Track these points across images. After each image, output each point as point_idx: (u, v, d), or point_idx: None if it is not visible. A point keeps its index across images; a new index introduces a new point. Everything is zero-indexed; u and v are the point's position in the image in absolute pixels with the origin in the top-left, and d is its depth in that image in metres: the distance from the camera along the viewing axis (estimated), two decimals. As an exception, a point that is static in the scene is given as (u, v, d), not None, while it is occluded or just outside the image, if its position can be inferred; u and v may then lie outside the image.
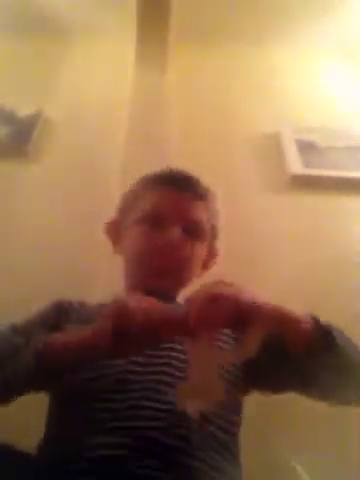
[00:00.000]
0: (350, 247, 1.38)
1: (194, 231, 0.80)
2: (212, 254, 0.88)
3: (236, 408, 0.70)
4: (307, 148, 1.62)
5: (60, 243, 1.28)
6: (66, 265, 1.23)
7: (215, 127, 1.70)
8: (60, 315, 0.76)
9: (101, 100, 1.72)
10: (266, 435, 0.95)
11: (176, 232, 0.77)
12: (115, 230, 0.88)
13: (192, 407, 0.51)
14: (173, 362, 0.66)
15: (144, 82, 1.72)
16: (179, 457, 0.56)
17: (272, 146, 1.66)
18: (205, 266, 0.87)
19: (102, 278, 1.13)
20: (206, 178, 1.43)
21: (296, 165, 1.56)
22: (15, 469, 0.52)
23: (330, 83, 1.95)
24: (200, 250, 0.82)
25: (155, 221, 0.79)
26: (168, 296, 0.78)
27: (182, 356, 0.65)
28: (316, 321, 0.56)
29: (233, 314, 0.50)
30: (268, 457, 0.91)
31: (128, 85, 1.74)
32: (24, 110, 1.66)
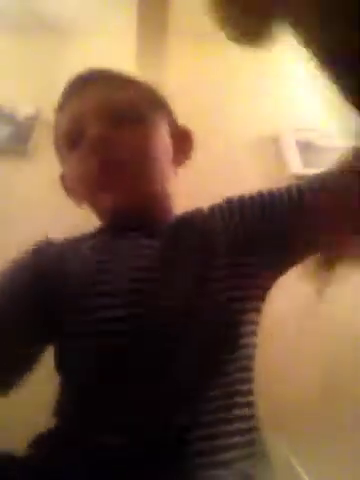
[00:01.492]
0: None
1: (122, 115, 0.63)
2: (181, 134, 0.75)
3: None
4: (307, 148, 1.62)
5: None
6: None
7: (215, 127, 1.70)
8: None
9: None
10: (266, 435, 0.95)
11: (92, 129, 0.60)
12: (66, 182, 0.75)
13: None
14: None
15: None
16: (174, 453, 0.51)
17: (272, 146, 1.66)
18: (183, 152, 0.73)
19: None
20: (206, 178, 1.44)
21: (296, 165, 1.56)
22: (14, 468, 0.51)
23: (330, 82, 1.95)
24: (146, 132, 0.64)
25: (74, 138, 0.63)
26: (157, 217, 0.64)
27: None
28: None
29: None
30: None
31: (128, 85, 1.74)
32: (24, 110, 1.66)
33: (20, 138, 1.58)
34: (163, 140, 0.67)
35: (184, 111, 1.68)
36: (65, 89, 0.70)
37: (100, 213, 0.69)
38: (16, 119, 1.64)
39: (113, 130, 0.60)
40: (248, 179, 1.55)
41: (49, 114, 1.71)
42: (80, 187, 0.65)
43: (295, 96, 1.85)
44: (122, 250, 0.60)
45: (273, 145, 1.66)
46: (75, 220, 1.36)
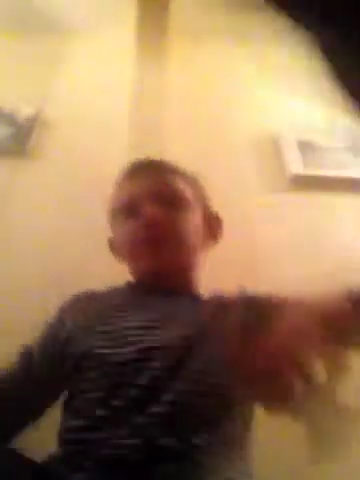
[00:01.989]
0: (350, 247, 1.38)
1: (173, 200, 0.77)
2: (213, 221, 0.86)
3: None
4: (307, 148, 1.62)
5: (60, 243, 1.28)
6: (66, 265, 1.23)
7: (215, 127, 1.70)
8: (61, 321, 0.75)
9: (101, 100, 1.72)
10: (266, 434, 0.95)
11: (147, 210, 0.74)
12: (114, 244, 0.87)
13: None
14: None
15: (144, 82, 1.72)
16: (185, 462, 0.56)
17: (272, 146, 1.66)
18: (213, 236, 0.85)
19: (102, 278, 1.13)
20: (206, 178, 1.43)
21: (296, 165, 1.56)
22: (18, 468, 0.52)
23: (330, 83, 1.95)
24: (187, 218, 0.78)
25: (129, 212, 0.77)
26: (182, 286, 0.76)
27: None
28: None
29: None
30: (268, 457, 0.91)
31: (128, 84, 1.74)
32: (24, 110, 1.66)
33: (20, 138, 1.57)
34: (198, 224, 0.81)
35: (184, 111, 1.69)
36: (125, 170, 0.85)
37: (135, 273, 0.81)
38: (16, 119, 1.64)
39: (161, 212, 0.74)
40: (248, 179, 1.55)
41: (49, 114, 1.73)
42: (126, 251, 0.79)
43: (295, 96, 1.85)
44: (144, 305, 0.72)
45: (273, 145, 1.66)
46: (75, 220, 1.36)
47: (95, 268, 1.18)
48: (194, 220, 0.80)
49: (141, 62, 1.79)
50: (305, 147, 1.62)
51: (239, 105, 1.78)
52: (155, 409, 0.58)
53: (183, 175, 0.84)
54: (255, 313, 0.65)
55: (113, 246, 0.87)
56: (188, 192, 0.81)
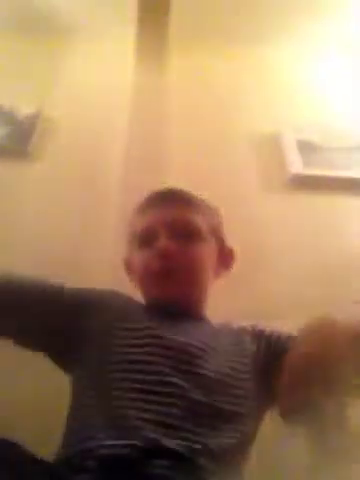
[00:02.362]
0: (350, 247, 1.38)
1: (187, 233, 0.80)
2: (227, 252, 0.88)
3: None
4: (307, 148, 1.62)
5: (60, 242, 1.28)
6: (66, 265, 1.23)
7: (215, 127, 1.70)
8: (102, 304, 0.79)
9: (101, 100, 1.72)
10: (266, 434, 0.95)
11: (163, 240, 0.78)
12: (127, 262, 0.89)
13: None
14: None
15: (144, 82, 1.72)
16: (186, 464, 0.56)
17: (272, 146, 1.66)
18: (225, 266, 0.88)
19: (102, 278, 1.13)
20: (206, 178, 1.43)
21: (296, 165, 1.56)
22: (22, 467, 0.52)
23: (330, 83, 1.95)
24: (201, 250, 0.81)
25: (145, 240, 0.81)
26: (191, 312, 0.80)
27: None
28: None
29: None
30: (268, 457, 0.92)
31: (128, 85, 1.74)
32: (24, 110, 1.66)
33: (20, 138, 1.57)
34: (212, 257, 0.84)
35: (184, 112, 1.69)
36: (148, 198, 0.87)
37: (145, 296, 0.84)
38: (16, 119, 1.64)
39: (175, 244, 0.78)
40: (248, 179, 1.55)
41: (49, 114, 1.73)
42: (139, 276, 0.82)
43: (295, 96, 1.85)
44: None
45: (273, 145, 1.66)
46: (75, 220, 1.36)
47: (95, 268, 1.18)
48: (207, 252, 0.83)
49: (141, 62, 1.79)
50: (305, 147, 1.62)
51: (239, 105, 1.78)
52: (159, 410, 0.59)
53: (201, 206, 0.87)
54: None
55: (128, 267, 0.89)
56: (204, 224, 0.84)
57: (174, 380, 0.62)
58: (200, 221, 0.83)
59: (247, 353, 0.73)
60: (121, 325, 0.72)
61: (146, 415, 0.58)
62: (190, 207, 0.85)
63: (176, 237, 0.79)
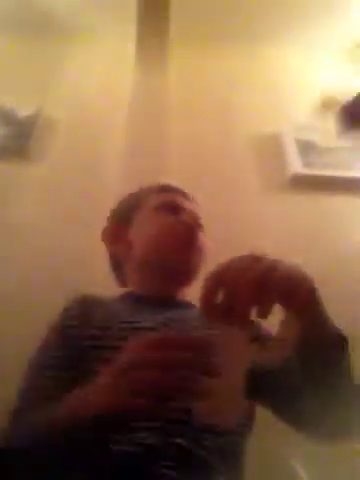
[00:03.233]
0: (350, 247, 1.38)
1: (200, 223, 0.86)
2: None
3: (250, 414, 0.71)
4: (307, 148, 1.63)
5: (60, 242, 1.28)
6: (66, 264, 1.24)
7: (215, 127, 1.70)
8: (82, 312, 0.75)
9: (101, 100, 1.72)
10: (266, 434, 0.95)
11: (190, 218, 0.84)
12: (114, 233, 0.90)
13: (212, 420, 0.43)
14: None
15: (144, 82, 1.72)
16: (194, 459, 0.57)
17: (272, 146, 1.66)
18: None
19: (101, 275, 1.13)
20: (206, 178, 1.43)
21: (296, 165, 1.56)
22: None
23: (330, 83, 1.95)
24: (206, 240, 0.86)
25: (171, 209, 0.85)
26: (179, 293, 0.83)
27: None
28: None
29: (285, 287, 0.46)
30: (268, 457, 0.92)
31: (128, 85, 1.74)
32: (24, 110, 1.66)
33: (20, 138, 1.58)
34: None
35: (184, 112, 1.69)
36: (159, 185, 0.92)
37: (149, 261, 0.83)
38: (16, 119, 1.64)
39: (198, 221, 0.85)
40: (248, 179, 1.55)
41: (49, 114, 1.73)
42: (154, 238, 0.83)
43: (295, 96, 1.85)
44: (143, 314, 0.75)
45: (273, 145, 1.66)
46: (75, 219, 1.36)
47: (95, 268, 1.18)
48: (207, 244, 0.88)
49: (141, 63, 1.79)
50: (305, 147, 1.62)
51: (239, 105, 1.78)
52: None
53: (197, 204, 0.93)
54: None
55: (109, 235, 0.90)
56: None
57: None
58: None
59: None
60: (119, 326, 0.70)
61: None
62: (194, 201, 0.92)
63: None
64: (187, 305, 0.82)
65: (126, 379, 0.42)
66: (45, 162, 1.53)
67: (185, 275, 0.84)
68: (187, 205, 0.88)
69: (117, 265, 0.91)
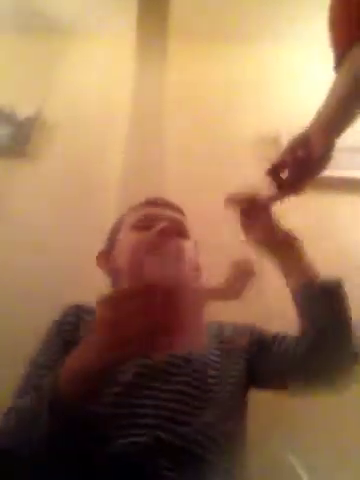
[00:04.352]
0: (350, 247, 1.38)
1: (179, 229, 0.85)
2: (199, 268, 0.91)
3: (242, 409, 0.72)
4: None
5: (59, 242, 1.28)
6: (65, 264, 1.24)
7: (215, 127, 1.70)
8: (78, 318, 0.78)
9: (100, 100, 1.72)
10: (266, 435, 0.95)
11: (164, 223, 0.82)
12: (103, 257, 0.92)
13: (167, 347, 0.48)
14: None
15: (143, 82, 1.72)
16: (191, 458, 0.57)
17: (272, 146, 1.66)
18: (199, 273, 0.89)
19: (101, 275, 1.13)
20: (206, 178, 1.43)
21: (296, 165, 1.56)
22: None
23: (330, 83, 1.95)
24: (189, 246, 0.85)
25: (143, 225, 0.84)
26: None
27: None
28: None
29: None
30: (268, 457, 0.91)
31: (128, 85, 1.74)
32: (23, 111, 1.66)
33: (20, 138, 1.58)
34: (193, 255, 0.88)
35: (184, 111, 1.69)
36: (139, 202, 0.92)
37: (127, 279, 0.83)
38: (16, 119, 1.64)
39: (171, 231, 0.83)
40: (248, 179, 1.55)
41: (49, 115, 1.73)
42: (128, 256, 0.82)
43: (295, 96, 1.85)
44: None
45: (273, 145, 1.66)
46: (74, 219, 1.36)
47: (94, 266, 1.18)
48: (192, 251, 0.87)
49: (141, 63, 1.79)
50: (305, 147, 1.62)
51: (239, 105, 1.78)
52: (159, 410, 0.61)
53: (183, 213, 0.93)
54: None
55: (103, 259, 0.91)
56: (188, 227, 0.90)
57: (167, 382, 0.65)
58: (187, 224, 0.90)
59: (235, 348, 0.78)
60: None
61: (149, 411, 0.60)
62: (180, 211, 0.92)
63: (174, 229, 0.84)
64: None
65: (116, 331, 0.47)
66: (44, 162, 1.53)
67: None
68: (168, 215, 0.87)
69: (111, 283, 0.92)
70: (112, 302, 0.49)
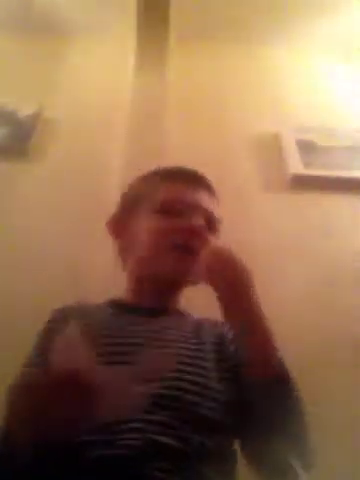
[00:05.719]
0: (350, 247, 1.38)
1: (211, 224, 0.79)
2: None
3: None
4: (307, 148, 1.62)
5: (60, 242, 1.28)
6: (65, 264, 1.23)
7: (215, 127, 1.70)
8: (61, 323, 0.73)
9: (101, 100, 1.72)
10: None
11: (200, 220, 0.76)
12: (118, 225, 0.84)
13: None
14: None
15: (144, 82, 1.72)
16: (184, 460, 0.55)
17: (272, 146, 1.66)
18: None
19: (101, 275, 1.13)
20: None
21: (296, 165, 1.56)
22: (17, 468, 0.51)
23: (330, 83, 1.95)
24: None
25: (172, 211, 0.76)
26: (169, 303, 0.79)
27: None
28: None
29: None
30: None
31: (128, 85, 1.74)
32: (24, 110, 1.66)
33: (20, 138, 1.57)
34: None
35: (184, 111, 1.69)
36: (172, 171, 0.85)
37: (141, 265, 0.79)
38: (16, 118, 1.64)
39: (204, 229, 0.76)
40: (248, 179, 1.55)
41: (49, 114, 1.73)
42: (148, 243, 0.77)
43: (295, 96, 1.85)
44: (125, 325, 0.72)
45: (273, 145, 1.66)
46: (74, 219, 1.36)
47: (94, 266, 1.18)
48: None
49: (141, 63, 1.79)
50: (305, 147, 1.62)
51: (239, 105, 1.78)
52: (155, 411, 0.58)
53: (214, 192, 0.85)
54: None
55: (118, 229, 0.84)
56: (218, 217, 0.83)
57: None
58: (219, 215, 0.82)
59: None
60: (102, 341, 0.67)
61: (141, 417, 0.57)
62: (214, 197, 0.84)
63: (204, 221, 0.77)
64: (178, 314, 0.80)
65: (30, 422, 0.45)
66: (45, 162, 1.53)
67: (174, 285, 0.79)
68: (199, 200, 0.79)
69: (121, 253, 0.86)
70: (26, 390, 0.46)
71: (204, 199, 0.80)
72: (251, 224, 1.37)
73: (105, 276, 1.11)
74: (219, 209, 0.84)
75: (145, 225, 0.78)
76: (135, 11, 1.70)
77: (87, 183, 1.45)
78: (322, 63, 2.02)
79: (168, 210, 0.77)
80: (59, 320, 0.73)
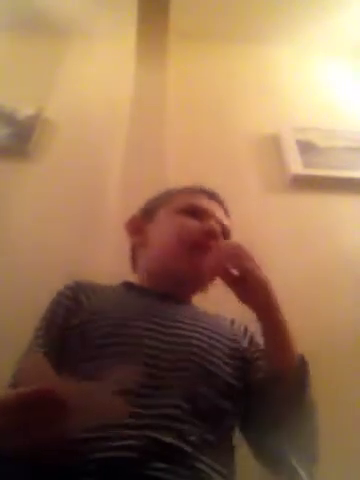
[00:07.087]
0: (350, 247, 1.38)
1: (224, 234, 0.85)
2: None
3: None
4: (307, 148, 1.62)
5: (60, 242, 1.28)
6: (66, 264, 1.23)
7: (215, 127, 1.70)
8: (79, 292, 0.78)
9: (101, 100, 1.72)
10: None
11: (217, 225, 0.83)
12: (136, 223, 0.91)
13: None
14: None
15: (144, 82, 1.72)
16: (183, 459, 0.56)
17: (272, 146, 1.66)
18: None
19: (102, 277, 1.13)
20: (206, 178, 1.42)
21: (296, 165, 1.56)
22: (15, 468, 0.51)
23: (330, 83, 1.95)
24: None
25: (196, 213, 0.84)
26: (186, 294, 0.84)
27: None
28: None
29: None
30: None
31: (128, 85, 1.74)
32: (24, 110, 1.66)
33: (20, 138, 1.58)
34: None
35: (184, 111, 1.69)
36: (197, 188, 0.91)
37: (156, 259, 0.84)
38: (16, 119, 1.64)
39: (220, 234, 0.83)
40: (248, 179, 1.55)
41: (49, 114, 1.73)
42: (169, 239, 0.82)
43: (295, 96, 1.85)
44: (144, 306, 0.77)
45: (273, 145, 1.66)
46: (75, 220, 1.36)
47: (95, 266, 1.18)
48: None
49: (141, 62, 1.79)
50: (305, 147, 1.62)
51: (239, 105, 1.78)
52: (155, 409, 0.59)
53: (230, 214, 0.93)
54: None
55: (133, 225, 0.91)
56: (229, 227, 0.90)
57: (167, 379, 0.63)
58: (230, 227, 0.90)
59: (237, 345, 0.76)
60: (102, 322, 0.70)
61: (142, 414, 0.58)
62: (227, 213, 0.92)
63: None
64: (192, 305, 0.84)
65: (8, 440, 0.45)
66: (45, 162, 1.53)
67: (192, 282, 0.84)
68: (215, 211, 0.86)
69: (133, 253, 0.92)
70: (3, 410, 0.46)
71: (219, 211, 0.88)
72: (251, 224, 1.37)
73: (105, 276, 1.11)
74: (230, 223, 0.90)
75: (167, 221, 0.85)
76: (135, 11, 1.71)
77: (87, 183, 1.45)
78: (322, 63, 2.02)
79: (191, 211, 0.84)
80: (69, 295, 0.78)
